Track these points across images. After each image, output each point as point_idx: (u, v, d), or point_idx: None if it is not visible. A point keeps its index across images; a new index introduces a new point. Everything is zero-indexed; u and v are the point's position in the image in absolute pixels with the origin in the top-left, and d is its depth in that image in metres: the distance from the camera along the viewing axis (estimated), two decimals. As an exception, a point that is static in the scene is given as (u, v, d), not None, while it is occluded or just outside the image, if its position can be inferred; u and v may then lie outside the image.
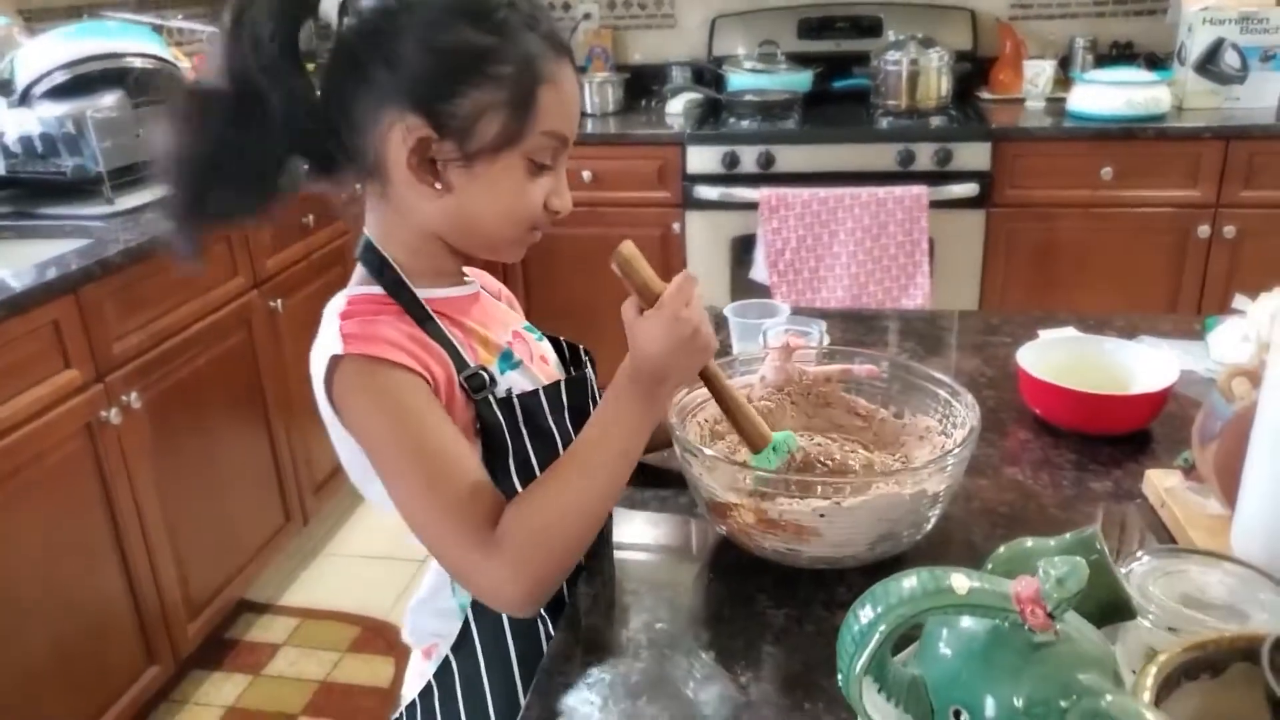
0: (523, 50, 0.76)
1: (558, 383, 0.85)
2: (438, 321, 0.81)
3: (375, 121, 0.76)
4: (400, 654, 2.15)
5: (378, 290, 0.82)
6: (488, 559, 0.75)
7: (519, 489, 0.81)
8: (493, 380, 0.82)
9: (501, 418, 0.81)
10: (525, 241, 0.84)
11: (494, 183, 0.78)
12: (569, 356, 0.96)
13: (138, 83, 2.15)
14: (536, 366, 0.90)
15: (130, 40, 2.18)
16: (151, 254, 1.83)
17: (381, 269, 0.82)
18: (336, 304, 0.82)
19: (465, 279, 0.89)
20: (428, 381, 0.78)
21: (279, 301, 2.22)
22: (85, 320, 1.70)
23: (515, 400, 0.82)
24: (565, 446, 0.82)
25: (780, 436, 0.87)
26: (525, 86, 0.76)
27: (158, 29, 2.41)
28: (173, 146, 0.77)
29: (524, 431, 0.83)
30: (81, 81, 2.05)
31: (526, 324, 0.95)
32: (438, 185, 0.78)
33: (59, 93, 2.04)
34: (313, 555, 2.51)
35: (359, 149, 0.78)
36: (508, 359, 0.87)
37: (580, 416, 0.84)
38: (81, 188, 2.04)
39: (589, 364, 0.95)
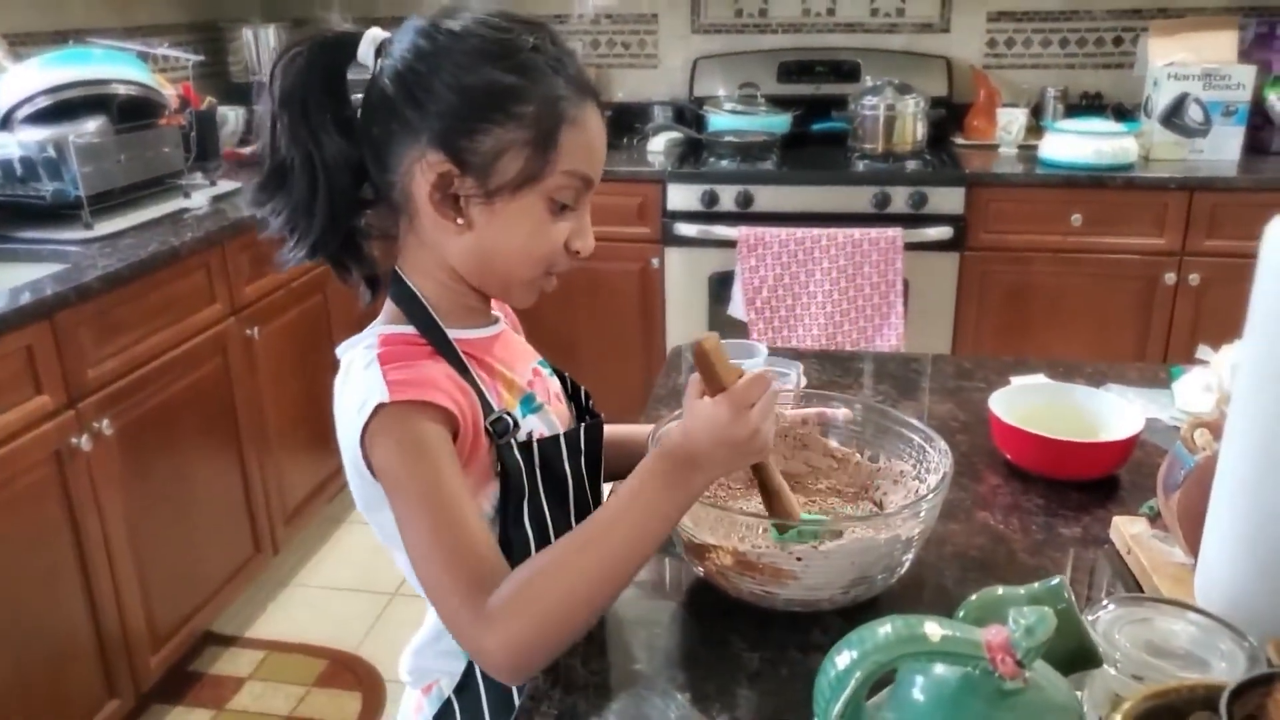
0: (546, 91, 0.78)
1: (576, 429, 0.86)
2: (467, 365, 0.83)
3: (402, 159, 0.79)
4: (368, 687, 2.12)
5: (410, 330, 0.83)
6: (476, 623, 0.73)
7: (529, 533, 0.83)
8: (515, 425, 0.83)
9: (521, 462, 0.82)
10: (539, 285, 0.85)
11: (514, 221, 0.80)
12: (571, 391, 0.98)
13: (121, 109, 2.16)
14: (553, 407, 0.91)
15: (115, 67, 2.19)
16: (129, 280, 1.83)
17: (412, 306, 0.83)
18: (366, 343, 0.82)
19: (492, 317, 0.91)
20: (460, 421, 0.78)
21: (255, 330, 2.22)
22: (60, 346, 1.68)
23: (535, 445, 0.83)
24: (576, 491, 0.84)
25: (810, 518, 0.87)
26: (547, 126, 0.77)
27: (143, 56, 2.42)
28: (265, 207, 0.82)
29: (539, 476, 0.84)
30: (65, 107, 2.06)
31: (541, 359, 0.96)
32: (459, 220, 0.80)
33: (42, 117, 2.04)
34: (281, 586, 2.48)
35: (389, 185, 0.81)
36: (529, 402, 0.88)
37: (593, 462, 0.86)
38: (60, 212, 2.03)
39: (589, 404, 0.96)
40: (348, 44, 0.80)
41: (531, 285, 0.85)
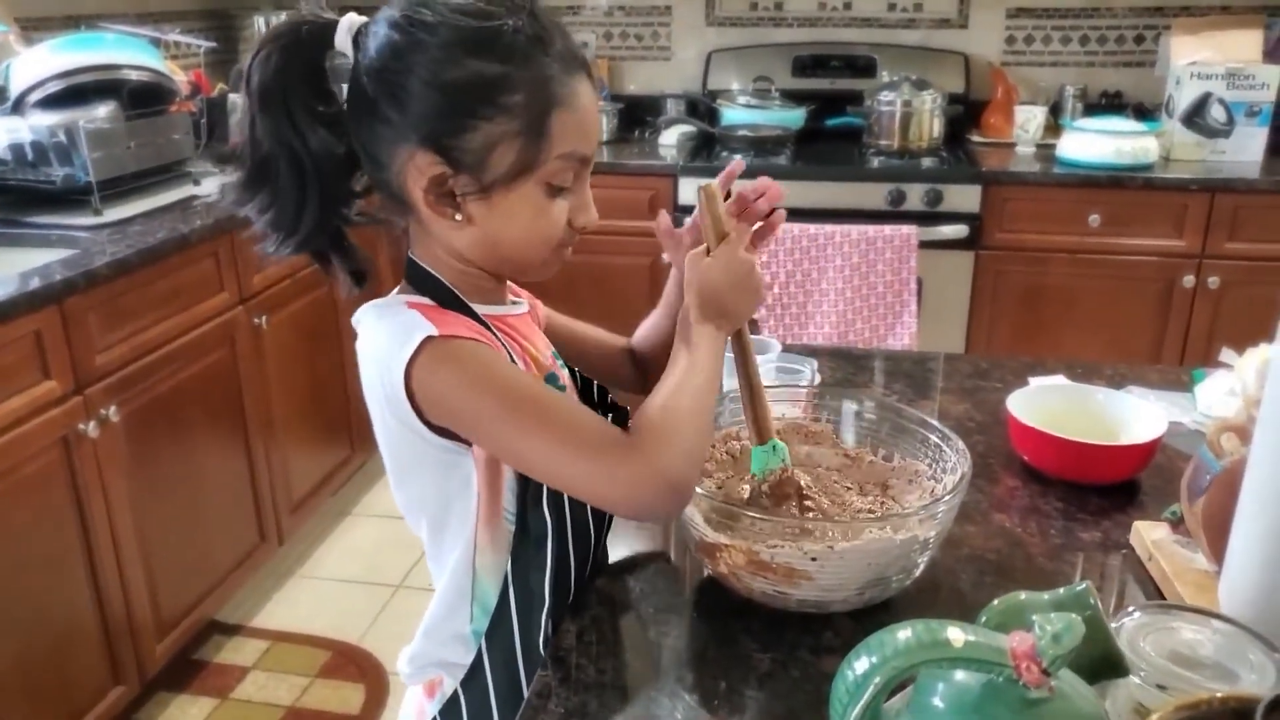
0: (533, 75, 0.75)
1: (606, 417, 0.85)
2: (496, 333, 0.82)
3: (393, 159, 0.77)
4: (371, 679, 2.11)
5: (430, 302, 0.81)
6: (627, 456, 0.74)
7: (547, 515, 0.81)
8: None
9: None
10: (555, 261, 0.84)
11: (513, 210, 0.78)
12: (581, 386, 0.96)
13: (132, 95, 2.15)
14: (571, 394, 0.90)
15: (126, 53, 2.18)
16: (138, 267, 1.82)
17: (432, 288, 0.82)
18: (389, 301, 0.81)
19: (513, 300, 0.90)
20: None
21: (264, 318, 2.20)
22: (68, 331, 1.68)
23: None
24: None
25: (781, 446, 0.87)
26: (537, 113, 0.75)
27: (155, 42, 2.41)
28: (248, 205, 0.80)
29: None
30: (76, 91, 2.05)
31: (554, 351, 0.94)
32: (457, 217, 0.78)
33: (53, 102, 2.03)
34: (286, 577, 2.47)
35: (385, 183, 0.80)
36: (553, 380, 0.87)
37: None
38: (70, 197, 2.02)
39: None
40: (323, 33, 0.78)
41: (546, 264, 0.83)
